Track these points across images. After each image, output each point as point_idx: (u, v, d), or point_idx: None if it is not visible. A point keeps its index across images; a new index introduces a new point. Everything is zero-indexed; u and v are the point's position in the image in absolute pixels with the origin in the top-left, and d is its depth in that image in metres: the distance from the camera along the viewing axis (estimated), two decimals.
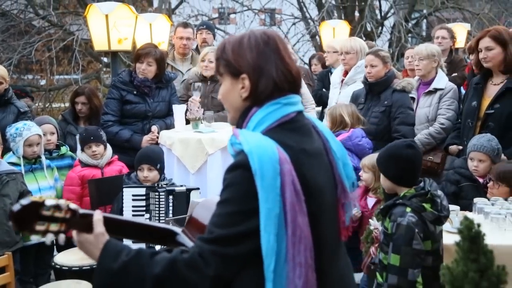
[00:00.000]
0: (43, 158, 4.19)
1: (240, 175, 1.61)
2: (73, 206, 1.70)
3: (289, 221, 1.58)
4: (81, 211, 1.72)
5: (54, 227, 1.67)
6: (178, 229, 1.93)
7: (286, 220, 1.58)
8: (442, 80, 4.86)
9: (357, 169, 4.08)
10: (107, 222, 1.75)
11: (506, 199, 3.27)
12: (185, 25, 5.89)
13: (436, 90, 4.82)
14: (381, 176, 2.75)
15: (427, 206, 2.59)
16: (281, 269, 1.58)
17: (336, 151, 1.84)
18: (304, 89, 5.48)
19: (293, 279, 1.58)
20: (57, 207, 1.67)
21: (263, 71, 1.71)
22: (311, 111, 5.46)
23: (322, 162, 1.78)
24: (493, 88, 4.00)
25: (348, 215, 1.90)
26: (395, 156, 2.67)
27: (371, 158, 3.73)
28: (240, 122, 1.78)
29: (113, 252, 1.67)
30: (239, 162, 1.62)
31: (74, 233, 1.73)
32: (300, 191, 1.61)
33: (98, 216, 1.73)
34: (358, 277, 4.05)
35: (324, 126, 1.90)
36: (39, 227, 1.65)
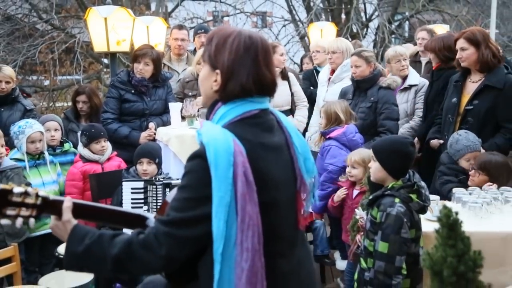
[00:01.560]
0: (46, 154, 4.17)
1: (197, 164, 1.65)
2: (42, 193, 1.75)
3: (239, 209, 1.61)
4: (52, 197, 1.77)
5: (24, 212, 1.72)
6: (149, 215, 1.95)
7: (237, 208, 1.61)
8: (415, 77, 5.01)
9: None
10: (77, 208, 1.80)
11: (481, 189, 3.28)
12: (180, 27, 5.88)
13: (411, 86, 4.97)
14: (376, 166, 2.73)
15: (413, 196, 2.60)
16: (230, 253, 1.61)
17: (298, 146, 1.86)
18: (297, 87, 5.47)
19: (240, 263, 1.61)
20: (26, 194, 1.71)
21: (234, 75, 1.74)
22: (303, 109, 5.46)
23: (281, 156, 1.80)
24: (471, 86, 4.00)
25: (308, 206, 1.93)
26: (400, 152, 2.66)
27: (360, 154, 3.71)
28: (208, 114, 1.83)
29: (78, 237, 1.72)
30: (198, 152, 1.66)
31: (52, 218, 1.79)
32: (252, 182, 1.64)
33: (67, 203, 1.78)
34: (343, 264, 4.06)
35: (289, 122, 1.92)
36: (10, 212, 1.70)
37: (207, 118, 1.82)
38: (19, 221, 1.71)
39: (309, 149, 1.93)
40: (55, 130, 4.37)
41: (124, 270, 1.72)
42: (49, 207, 1.76)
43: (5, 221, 1.70)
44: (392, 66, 5.01)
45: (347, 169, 3.83)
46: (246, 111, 1.74)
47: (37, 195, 1.72)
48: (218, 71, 1.75)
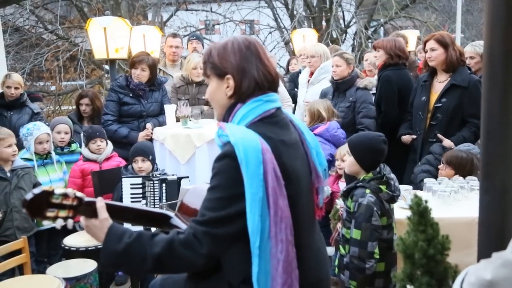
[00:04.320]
0: (53, 153, 4.14)
1: (227, 164, 1.59)
2: (79, 194, 1.69)
3: (271, 203, 1.57)
4: (86, 199, 1.70)
5: (62, 213, 1.65)
6: (171, 213, 1.91)
7: (269, 203, 1.57)
8: None
9: (334, 157, 4.09)
10: (108, 208, 1.73)
11: (449, 179, 3.30)
12: (174, 35, 5.85)
13: None
14: (350, 160, 2.71)
15: (383, 187, 2.59)
16: (265, 245, 1.57)
17: (310, 142, 1.84)
18: (282, 88, 5.45)
19: (275, 254, 1.57)
20: (65, 195, 1.65)
21: (246, 72, 1.70)
22: (287, 108, 5.45)
23: (299, 151, 1.77)
24: (438, 85, 4.02)
25: (321, 197, 1.90)
26: (373, 148, 2.64)
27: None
28: (226, 117, 1.76)
29: (116, 235, 1.65)
30: (226, 153, 1.59)
31: (81, 218, 1.71)
32: (281, 177, 1.60)
33: (100, 203, 1.71)
34: (331, 250, 4.05)
35: (299, 120, 1.90)
36: (50, 214, 1.63)
37: (225, 121, 1.75)
38: (59, 222, 1.64)
39: (319, 144, 1.90)
40: (65, 133, 4.34)
41: (164, 268, 1.65)
42: (83, 207, 1.69)
43: (46, 222, 1.64)
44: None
45: (337, 163, 3.81)
46: (265, 110, 1.70)
47: (75, 196, 1.66)
48: (228, 75, 1.70)
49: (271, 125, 1.69)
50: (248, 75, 1.70)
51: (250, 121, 1.68)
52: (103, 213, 1.69)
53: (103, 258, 1.65)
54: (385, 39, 4.68)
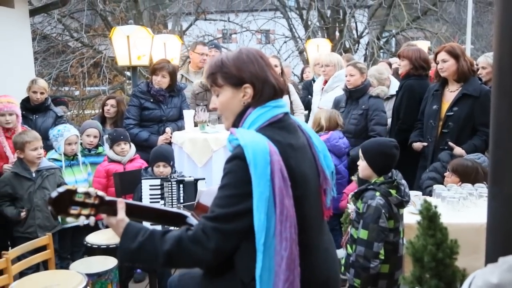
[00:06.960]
0: (79, 155, 4.21)
1: (236, 165, 1.61)
2: (100, 193, 1.73)
3: (278, 202, 1.58)
4: (107, 198, 1.75)
5: (85, 211, 1.71)
6: (187, 213, 1.94)
7: (275, 202, 1.58)
8: (394, 88, 4.92)
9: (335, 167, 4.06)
10: (129, 208, 1.78)
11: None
12: (204, 43, 5.89)
13: (392, 96, 4.89)
14: (363, 164, 2.71)
15: (393, 192, 2.59)
16: (270, 242, 1.58)
17: (317, 145, 1.85)
18: (295, 96, 5.45)
19: (279, 251, 1.59)
20: (87, 194, 1.70)
21: (266, 81, 1.73)
22: (300, 116, 5.45)
23: (306, 155, 1.79)
24: (450, 95, 4.00)
25: (329, 198, 1.90)
26: (385, 153, 2.64)
27: None
28: (236, 122, 1.78)
29: (131, 235, 1.70)
30: (236, 154, 1.62)
31: (104, 216, 1.77)
32: (287, 178, 1.61)
33: (121, 204, 1.76)
34: (342, 253, 4.02)
35: (307, 125, 1.92)
36: (73, 211, 1.68)
37: (235, 126, 1.78)
38: (81, 219, 1.70)
39: (326, 147, 1.92)
40: (94, 136, 4.41)
41: (174, 263, 1.70)
42: (104, 206, 1.73)
43: (70, 219, 1.69)
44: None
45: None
46: (273, 116, 1.73)
47: (96, 195, 1.71)
48: (247, 84, 1.73)
49: (279, 129, 1.72)
50: (268, 83, 1.73)
51: (259, 126, 1.71)
52: (121, 214, 1.75)
53: (119, 254, 1.71)
54: (410, 49, 4.61)
